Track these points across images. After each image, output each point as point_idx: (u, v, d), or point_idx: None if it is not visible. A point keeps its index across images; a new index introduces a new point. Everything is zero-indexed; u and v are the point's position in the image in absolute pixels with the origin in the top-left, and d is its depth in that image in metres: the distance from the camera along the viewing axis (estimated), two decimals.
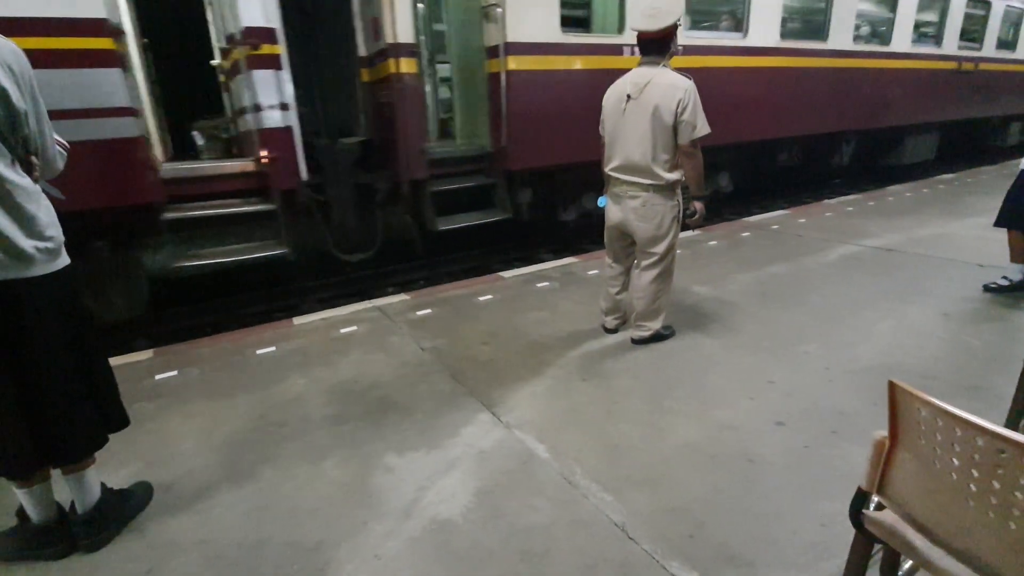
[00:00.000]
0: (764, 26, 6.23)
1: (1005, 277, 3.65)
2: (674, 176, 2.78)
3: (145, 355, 3.16)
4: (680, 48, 2.80)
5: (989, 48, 9.43)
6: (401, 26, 4.34)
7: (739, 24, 6.13)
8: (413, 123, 4.57)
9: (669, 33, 2.69)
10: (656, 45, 2.72)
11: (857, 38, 7.38)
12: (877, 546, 1.20)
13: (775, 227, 5.62)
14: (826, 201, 6.99)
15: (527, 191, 5.39)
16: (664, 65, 2.73)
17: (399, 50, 4.37)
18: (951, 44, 8.61)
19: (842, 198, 7.05)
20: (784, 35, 6.54)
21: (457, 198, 5.06)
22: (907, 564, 1.34)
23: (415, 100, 4.60)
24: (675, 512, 1.86)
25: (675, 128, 2.68)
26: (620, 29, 5.27)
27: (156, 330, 4.17)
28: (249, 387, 2.76)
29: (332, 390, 2.71)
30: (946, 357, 2.86)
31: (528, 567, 1.66)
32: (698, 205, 2.88)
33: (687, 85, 2.64)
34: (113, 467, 2.17)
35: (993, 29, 9.36)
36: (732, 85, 6.13)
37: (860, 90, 7.59)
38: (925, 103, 8.72)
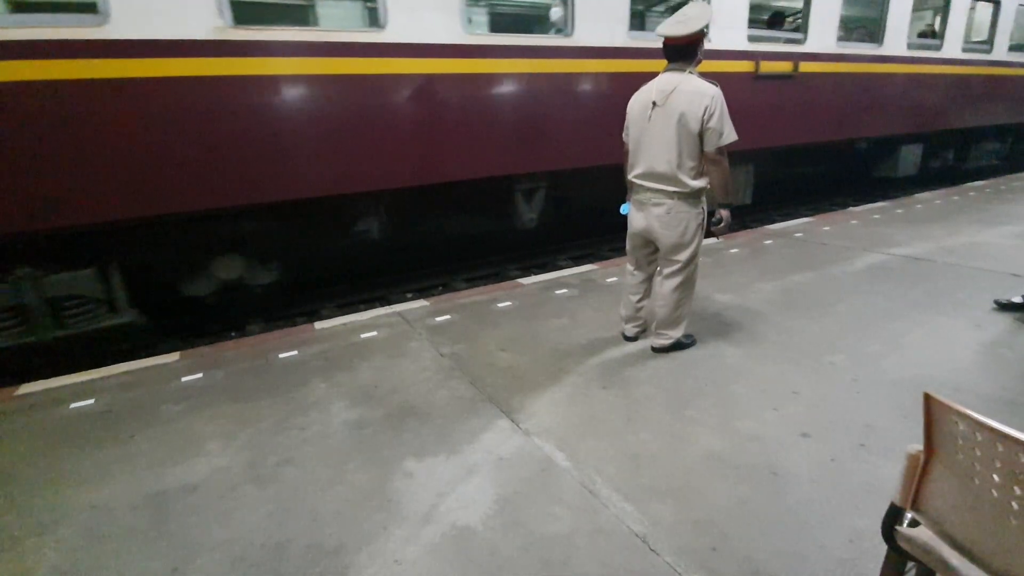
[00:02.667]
0: None
1: None
2: (700, 183, 2.75)
3: (171, 357, 3.22)
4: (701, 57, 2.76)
5: (822, 40, 6.14)
6: None
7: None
8: None
9: (697, 40, 2.68)
10: (683, 51, 2.71)
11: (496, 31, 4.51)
12: (910, 564, 1.17)
13: (799, 235, 5.53)
14: (851, 208, 6.85)
15: None
16: (690, 72, 2.71)
17: None
18: (733, 36, 5.49)
19: (868, 205, 6.91)
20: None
21: None
22: None
23: None
24: (698, 524, 1.83)
25: (701, 135, 2.67)
26: None
27: (182, 333, 4.26)
28: (272, 390, 2.80)
29: (353, 394, 2.73)
30: (979, 370, 2.78)
31: None
32: (724, 213, 2.85)
33: (714, 92, 2.62)
34: (143, 467, 2.22)
35: (826, 12, 6.06)
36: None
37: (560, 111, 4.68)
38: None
